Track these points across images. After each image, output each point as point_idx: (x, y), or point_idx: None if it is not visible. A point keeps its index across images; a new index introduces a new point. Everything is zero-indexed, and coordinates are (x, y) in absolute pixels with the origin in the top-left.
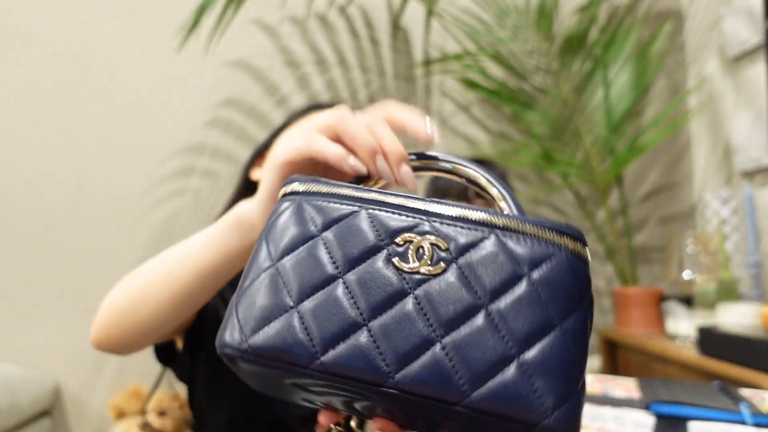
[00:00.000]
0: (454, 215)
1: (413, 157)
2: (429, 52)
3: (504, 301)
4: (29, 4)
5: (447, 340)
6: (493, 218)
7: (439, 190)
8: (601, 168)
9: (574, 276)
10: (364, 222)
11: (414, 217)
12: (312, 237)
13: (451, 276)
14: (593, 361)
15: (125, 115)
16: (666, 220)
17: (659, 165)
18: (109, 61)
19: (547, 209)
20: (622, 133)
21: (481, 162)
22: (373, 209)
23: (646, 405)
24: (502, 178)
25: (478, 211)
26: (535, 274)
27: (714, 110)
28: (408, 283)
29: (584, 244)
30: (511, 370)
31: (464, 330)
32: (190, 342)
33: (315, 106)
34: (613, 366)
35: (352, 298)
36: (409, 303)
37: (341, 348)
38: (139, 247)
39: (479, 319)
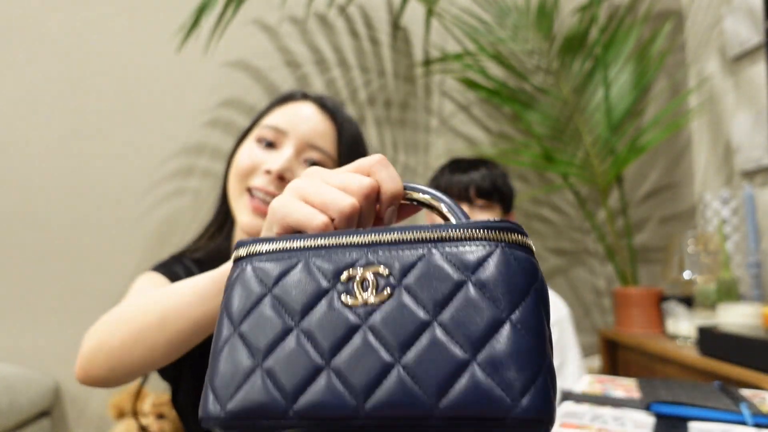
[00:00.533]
0: (390, 240)
1: None
2: (429, 51)
3: (451, 310)
4: (29, 4)
5: (405, 360)
6: (427, 234)
7: (440, 190)
8: (601, 168)
9: (517, 266)
10: (306, 270)
11: (352, 253)
12: (263, 296)
13: (397, 299)
14: (593, 361)
15: (125, 115)
16: (666, 220)
17: (659, 165)
18: (108, 61)
19: (547, 209)
20: (622, 133)
21: (482, 161)
22: (313, 256)
23: (646, 405)
24: (502, 178)
25: (413, 231)
26: (477, 276)
27: (714, 110)
28: (360, 317)
29: (523, 233)
30: (469, 373)
31: (420, 347)
32: None
33: (288, 96)
34: (614, 366)
35: (311, 343)
36: (363, 335)
37: (309, 393)
38: (139, 248)
39: (432, 333)
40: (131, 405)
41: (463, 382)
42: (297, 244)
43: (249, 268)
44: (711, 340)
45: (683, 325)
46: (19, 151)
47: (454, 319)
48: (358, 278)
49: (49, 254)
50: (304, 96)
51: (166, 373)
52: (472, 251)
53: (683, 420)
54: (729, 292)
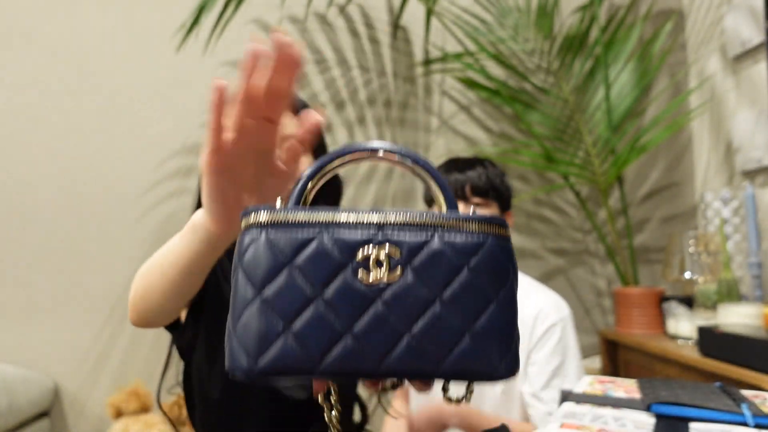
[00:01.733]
0: (401, 222)
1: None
2: (429, 51)
3: (452, 289)
4: (28, 4)
5: (414, 330)
6: (434, 219)
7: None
8: (602, 168)
9: (502, 255)
10: (326, 245)
11: (366, 231)
12: (285, 265)
13: (408, 278)
14: (594, 362)
15: (125, 115)
16: (667, 220)
17: (660, 165)
18: (108, 61)
19: (548, 209)
20: (623, 133)
21: (479, 161)
22: (327, 231)
23: (647, 406)
24: (499, 177)
25: (421, 215)
26: (473, 262)
27: (715, 110)
28: (374, 292)
29: (506, 227)
30: (465, 341)
31: (425, 319)
32: (194, 311)
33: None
34: (614, 366)
35: (333, 312)
36: (377, 308)
37: (334, 353)
38: (138, 248)
39: (436, 308)
40: (139, 403)
41: (460, 348)
42: (315, 217)
43: (263, 236)
44: (712, 341)
45: (684, 325)
46: (18, 151)
47: (453, 297)
48: (373, 257)
49: (48, 254)
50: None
51: (181, 341)
52: (469, 240)
53: (684, 420)
54: (730, 293)
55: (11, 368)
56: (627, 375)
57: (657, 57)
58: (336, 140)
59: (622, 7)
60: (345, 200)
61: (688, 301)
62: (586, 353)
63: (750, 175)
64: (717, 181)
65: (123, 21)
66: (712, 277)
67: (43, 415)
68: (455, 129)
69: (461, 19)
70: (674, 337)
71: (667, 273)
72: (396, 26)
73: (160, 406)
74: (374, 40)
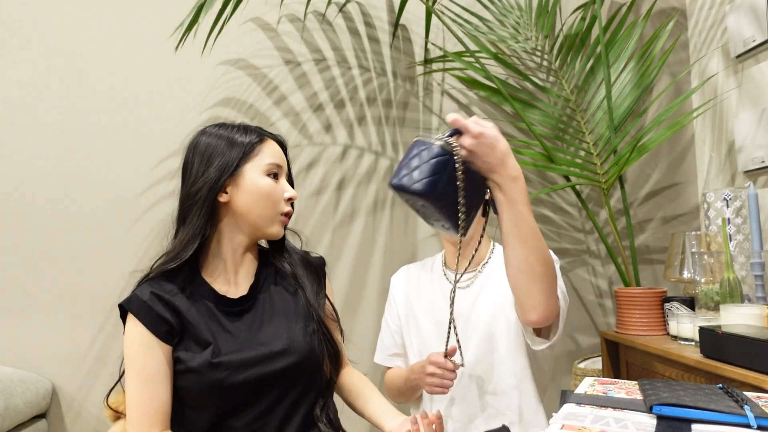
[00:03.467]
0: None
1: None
2: (429, 50)
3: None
4: (28, 4)
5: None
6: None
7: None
8: (603, 168)
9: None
10: None
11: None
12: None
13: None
14: (595, 363)
15: (123, 114)
16: (668, 221)
17: (662, 165)
18: (107, 60)
19: (549, 209)
20: (624, 133)
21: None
22: None
23: (648, 407)
24: None
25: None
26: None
27: (717, 109)
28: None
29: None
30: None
31: None
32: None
33: (262, 136)
34: (615, 368)
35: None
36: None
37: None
38: (136, 249)
39: None
40: None
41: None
42: None
43: None
44: (714, 342)
45: (686, 326)
46: (16, 151)
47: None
48: None
49: (46, 255)
50: (269, 135)
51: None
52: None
53: (686, 422)
54: (732, 293)
55: (8, 369)
56: (628, 376)
57: (658, 56)
58: (336, 140)
59: (624, 6)
60: (345, 200)
61: (690, 302)
62: (587, 354)
63: (752, 174)
64: (719, 181)
65: (121, 21)
66: (714, 278)
67: (40, 416)
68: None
69: (461, 17)
70: (676, 338)
71: (668, 273)
72: (396, 25)
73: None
74: (374, 39)
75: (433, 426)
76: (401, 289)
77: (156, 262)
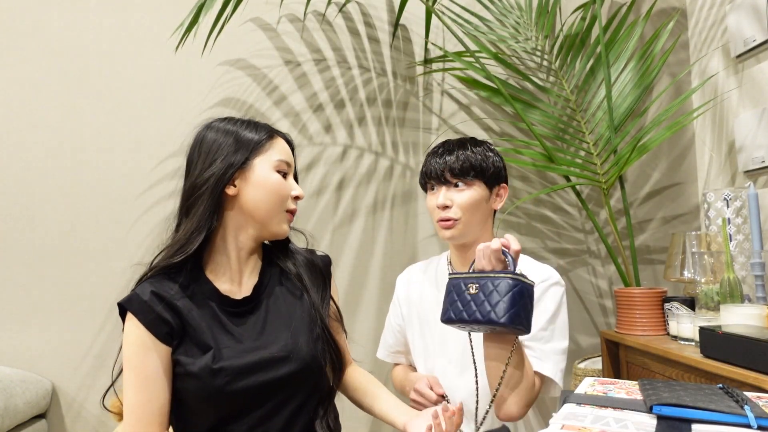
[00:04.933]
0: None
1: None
2: (430, 50)
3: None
4: (28, 4)
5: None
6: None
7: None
8: (603, 168)
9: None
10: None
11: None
12: None
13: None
14: (595, 363)
15: (123, 114)
16: (669, 221)
17: (662, 165)
18: (107, 60)
19: (549, 209)
20: (624, 133)
21: (462, 143)
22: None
23: (648, 407)
24: (482, 154)
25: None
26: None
27: (718, 109)
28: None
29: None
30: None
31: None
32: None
33: (270, 133)
34: (616, 368)
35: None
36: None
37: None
38: (136, 249)
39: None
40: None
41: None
42: None
43: None
44: (714, 342)
45: (686, 326)
46: (16, 151)
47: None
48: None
49: (46, 256)
50: (277, 132)
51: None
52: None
53: (686, 422)
54: (732, 293)
55: (8, 370)
56: (628, 376)
57: (658, 56)
58: (336, 140)
59: (624, 6)
60: (345, 200)
61: (690, 302)
62: (587, 354)
63: (753, 174)
64: (719, 180)
65: (121, 21)
66: (714, 278)
67: (40, 416)
68: (455, 128)
69: (461, 17)
70: (676, 338)
71: (668, 273)
72: (396, 25)
73: (104, 406)
74: (374, 39)
75: (454, 417)
76: (406, 290)
77: (156, 256)
